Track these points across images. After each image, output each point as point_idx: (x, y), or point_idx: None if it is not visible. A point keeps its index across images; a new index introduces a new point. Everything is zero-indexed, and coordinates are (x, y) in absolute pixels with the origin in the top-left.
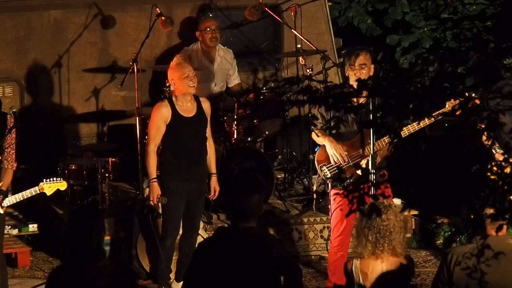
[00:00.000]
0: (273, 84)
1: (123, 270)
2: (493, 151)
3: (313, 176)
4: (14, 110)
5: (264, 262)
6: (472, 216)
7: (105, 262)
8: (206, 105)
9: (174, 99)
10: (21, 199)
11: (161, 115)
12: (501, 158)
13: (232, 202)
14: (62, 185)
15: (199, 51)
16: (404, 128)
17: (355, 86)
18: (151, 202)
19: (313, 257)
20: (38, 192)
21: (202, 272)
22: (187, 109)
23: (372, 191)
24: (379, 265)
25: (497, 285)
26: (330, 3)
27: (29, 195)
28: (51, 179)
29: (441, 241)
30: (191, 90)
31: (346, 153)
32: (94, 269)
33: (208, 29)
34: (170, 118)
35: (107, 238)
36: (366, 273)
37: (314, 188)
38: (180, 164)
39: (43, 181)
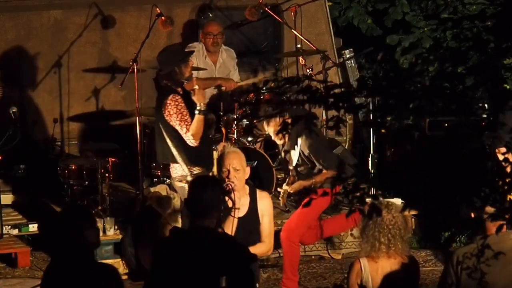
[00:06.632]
0: (273, 84)
1: (110, 270)
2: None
3: None
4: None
5: (205, 262)
6: (471, 216)
7: (91, 262)
8: (263, 203)
9: None
10: None
11: None
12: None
13: (189, 200)
14: None
15: (202, 51)
16: None
17: None
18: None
19: (313, 257)
20: None
21: (161, 270)
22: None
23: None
24: (389, 264)
25: (498, 283)
26: (330, 3)
27: None
28: None
29: (441, 241)
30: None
31: None
32: (80, 268)
33: (209, 34)
34: None
35: (107, 238)
36: (376, 273)
37: None
38: None
39: None
